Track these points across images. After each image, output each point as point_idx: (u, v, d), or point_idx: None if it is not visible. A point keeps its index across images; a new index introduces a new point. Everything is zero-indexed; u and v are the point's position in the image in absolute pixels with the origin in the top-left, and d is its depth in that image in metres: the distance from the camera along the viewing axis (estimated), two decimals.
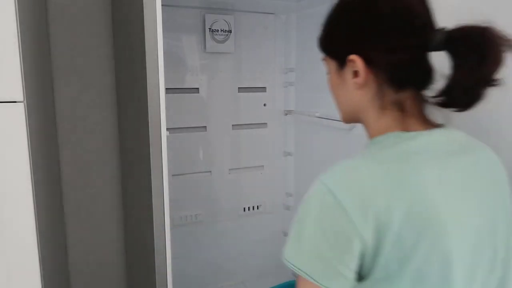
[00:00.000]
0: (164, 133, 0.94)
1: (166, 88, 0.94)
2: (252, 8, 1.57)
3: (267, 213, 1.77)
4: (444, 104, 0.62)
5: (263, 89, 1.67)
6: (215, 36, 1.52)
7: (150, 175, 0.95)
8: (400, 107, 0.63)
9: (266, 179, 1.74)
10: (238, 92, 1.62)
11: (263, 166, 1.73)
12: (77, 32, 1.37)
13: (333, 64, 0.68)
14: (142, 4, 0.88)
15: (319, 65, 1.39)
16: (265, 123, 1.70)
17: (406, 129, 0.63)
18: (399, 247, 0.55)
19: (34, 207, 0.86)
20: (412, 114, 0.63)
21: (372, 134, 0.67)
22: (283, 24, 1.64)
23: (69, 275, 1.49)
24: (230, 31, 1.53)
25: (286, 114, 1.72)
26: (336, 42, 0.67)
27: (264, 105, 1.68)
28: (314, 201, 0.57)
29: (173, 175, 1.51)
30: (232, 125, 1.64)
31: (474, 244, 0.60)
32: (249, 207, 1.73)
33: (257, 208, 1.74)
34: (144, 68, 0.91)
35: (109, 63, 1.43)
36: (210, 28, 1.50)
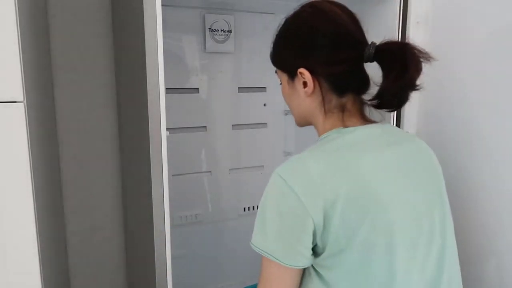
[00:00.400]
0: (164, 133, 0.94)
1: (166, 88, 0.94)
2: (252, 8, 1.57)
3: None
4: (378, 106, 0.73)
5: (263, 89, 1.66)
6: (215, 36, 1.52)
7: (150, 175, 0.95)
8: (343, 109, 0.75)
9: (266, 179, 1.73)
10: (238, 92, 1.62)
11: (263, 166, 1.73)
12: (77, 32, 1.37)
13: (284, 76, 0.80)
14: (142, 4, 0.88)
15: None
16: (265, 123, 1.70)
17: (346, 126, 0.74)
18: (345, 225, 0.64)
19: (34, 207, 0.86)
20: (352, 113, 0.75)
21: (320, 133, 0.78)
22: None
23: (69, 275, 1.49)
24: (230, 31, 1.53)
25: (286, 114, 1.72)
26: (286, 58, 0.78)
27: (264, 105, 1.68)
28: (272, 190, 0.69)
29: (173, 175, 1.51)
30: (232, 125, 1.63)
31: (414, 217, 0.70)
32: (249, 207, 1.73)
33: (257, 208, 1.74)
34: (144, 68, 0.91)
35: (109, 63, 1.43)
36: (210, 28, 1.50)
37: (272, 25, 1.62)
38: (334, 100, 0.75)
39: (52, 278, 1.07)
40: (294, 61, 0.75)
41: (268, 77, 1.65)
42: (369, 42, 0.72)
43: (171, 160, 0.98)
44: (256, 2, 1.54)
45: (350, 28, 0.72)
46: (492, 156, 0.96)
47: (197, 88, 1.55)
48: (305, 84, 0.75)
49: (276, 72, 0.83)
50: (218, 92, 1.58)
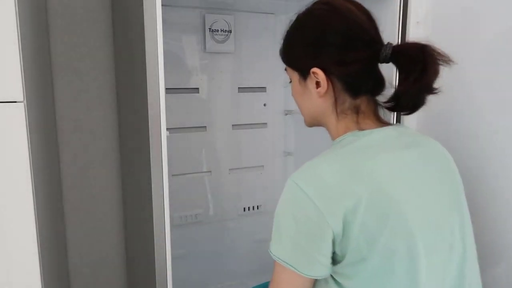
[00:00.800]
0: (164, 133, 0.94)
1: (166, 88, 0.94)
2: (252, 8, 1.57)
3: (267, 213, 1.77)
4: (393, 108, 0.71)
5: (263, 89, 1.66)
6: (215, 36, 1.52)
7: (150, 175, 0.95)
8: (357, 111, 0.72)
9: (266, 179, 1.74)
10: (238, 92, 1.62)
11: (263, 166, 1.73)
12: (77, 32, 1.37)
13: (295, 75, 0.76)
14: (142, 4, 0.88)
15: None
16: (265, 123, 1.70)
17: (361, 128, 0.71)
18: (366, 232, 0.62)
19: (34, 207, 0.86)
20: (367, 115, 0.73)
21: (333, 136, 0.75)
22: (283, 24, 1.63)
23: (69, 275, 1.49)
24: (230, 31, 1.53)
25: (286, 114, 1.72)
26: (298, 57, 0.75)
27: (264, 105, 1.68)
28: (287, 197, 0.66)
29: (173, 175, 1.51)
30: (232, 125, 1.63)
31: (433, 222, 0.68)
32: (249, 207, 1.73)
33: (257, 208, 1.74)
34: (144, 68, 0.91)
35: (109, 63, 1.43)
36: (210, 28, 1.50)
37: (272, 25, 1.62)
38: (347, 101, 0.72)
39: (52, 278, 1.07)
40: (307, 60, 0.72)
41: (268, 77, 1.65)
42: (385, 42, 0.70)
43: (171, 160, 0.98)
44: (256, 2, 1.54)
45: (365, 27, 0.69)
46: (494, 157, 0.96)
47: (197, 88, 1.55)
48: (317, 84, 0.72)
49: (285, 69, 0.80)
50: (218, 92, 1.58)
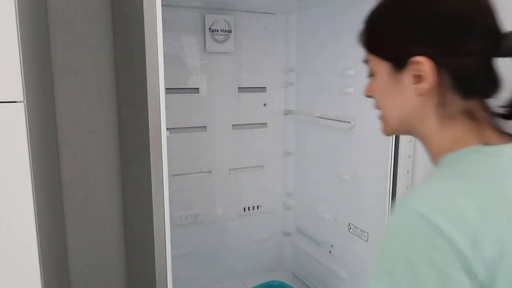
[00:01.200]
0: (164, 133, 0.94)
1: (166, 88, 0.94)
2: (252, 8, 1.57)
3: (267, 213, 1.77)
4: (509, 116, 0.56)
5: (263, 89, 1.67)
6: (215, 36, 1.52)
7: (150, 175, 0.95)
8: (470, 117, 0.56)
9: (266, 179, 1.74)
10: (238, 92, 1.62)
11: (263, 166, 1.73)
12: (77, 32, 1.37)
13: (384, 66, 0.60)
14: (142, 4, 0.88)
15: (319, 65, 1.39)
16: (265, 123, 1.70)
17: (485, 142, 0.55)
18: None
19: (34, 207, 0.86)
20: (484, 124, 0.56)
21: (435, 148, 0.59)
22: (283, 24, 1.63)
23: (69, 275, 1.49)
24: (230, 31, 1.54)
25: (286, 114, 1.72)
26: (393, 41, 0.59)
27: (264, 105, 1.68)
28: (405, 231, 0.49)
29: (173, 175, 1.51)
30: (232, 125, 1.64)
31: None
32: (249, 207, 1.73)
33: (257, 208, 1.74)
34: (144, 68, 0.91)
35: (109, 63, 1.43)
36: (210, 28, 1.50)
37: (272, 25, 1.62)
38: (457, 102, 0.56)
39: (52, 278, 1.07)
40: (406, 47, 0.56)
41: (268, 77, 1.66)
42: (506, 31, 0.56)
43: (171, 160, 0.98)
44: (256, 2, 1.54)
45: (485, 11, 0.56)
46: None
47: (197, 88, 1.55)
48: (418, 78, 0.56)
49: (365, 61, 0.64)
50: (218, 92, 1.58)
